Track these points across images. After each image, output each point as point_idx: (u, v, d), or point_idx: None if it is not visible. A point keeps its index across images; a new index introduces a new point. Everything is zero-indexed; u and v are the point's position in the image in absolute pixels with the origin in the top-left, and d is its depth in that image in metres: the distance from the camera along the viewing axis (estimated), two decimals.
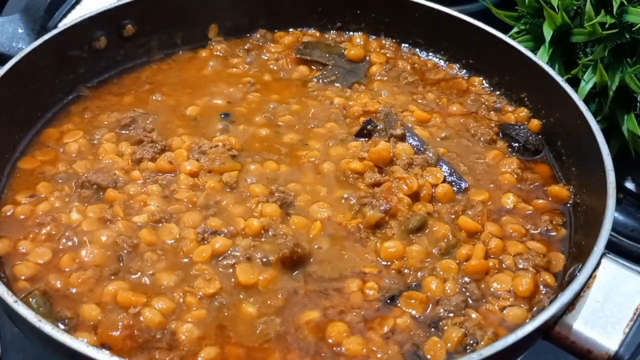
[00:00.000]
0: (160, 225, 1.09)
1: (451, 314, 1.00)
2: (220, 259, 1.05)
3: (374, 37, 1.54)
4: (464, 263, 1.07)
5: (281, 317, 0.99)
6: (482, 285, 1.05)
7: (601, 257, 0.98)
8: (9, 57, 1.22)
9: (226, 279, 1.03)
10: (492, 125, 1.34)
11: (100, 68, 1.40)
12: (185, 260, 1.05)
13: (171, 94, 1.38)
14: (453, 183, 1.19)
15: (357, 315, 1.00)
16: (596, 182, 1.10)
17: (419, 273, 1.06)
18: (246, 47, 1.51)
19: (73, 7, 1.46)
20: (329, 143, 1.27)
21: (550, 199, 1.21)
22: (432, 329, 0.99)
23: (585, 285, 0.96)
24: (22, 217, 1.11)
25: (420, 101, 1.39)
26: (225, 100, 1.37)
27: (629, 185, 1.43)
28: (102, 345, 0.93)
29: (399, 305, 1.02)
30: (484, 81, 1.44)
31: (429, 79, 1.46)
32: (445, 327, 0.99)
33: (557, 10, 1.33)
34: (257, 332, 0.97)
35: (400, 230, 1.11)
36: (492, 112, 1.37)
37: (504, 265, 1.08)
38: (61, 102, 1.34)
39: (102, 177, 1.15)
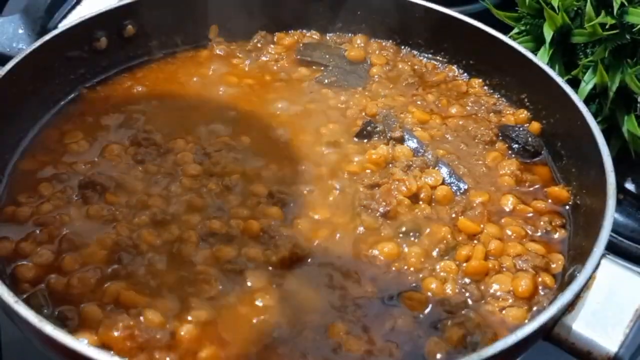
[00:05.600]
0: (161, 226, 1.09)
1: (451, 315, 1.00)
2: (220, 260, 1.05)
3: (374, 38, 1.54)
4: (464, 264, 1.07)
5: (281, 318, 0.99)
6: (482, 286, 1.05)
7: (601, 258, 0.98)
8: (9, 58, 1.21)
9: (226, 279, 1.03)
10: (492, 126, 1.34)
11: (100, 68, 1.40)
12: (186, 261, 1.05)
13: (172, 94, 1.38)
14: (452, 185, 1.20)
15: (357, 316, 1.00)
16: (596, 183, 1.10)
17: (418, 274, 1.06)
18: (247, 48, 1.51)
19: (73, 7, 1.46)
20: (328, 144, 1.27)
21: (549, 200, 1.21)
22: (432, 329, 0.99)
23: (585, 286, 0.96)
24: (23, 218, 1.11)
25: (420, 103, 1.39)
26: (226, 101, 1.37)
27: (629, 186, 1.43)
28: (103, 345, 0.93)
29: (399, 305, 1.02)
30: (483, 83, 1.45)
31: (429, 81, 1.46)
32: (445, 328, 0.99)
33: (557, 11, 1.33)
34: (257, 332, 0.97)
35: (397, 232, 1.11)
36: (491, 114, 1.37)
37: (503, 267, 1.08)
38: (61, 102, 1.34)
39: (103, 177, 1.15)
